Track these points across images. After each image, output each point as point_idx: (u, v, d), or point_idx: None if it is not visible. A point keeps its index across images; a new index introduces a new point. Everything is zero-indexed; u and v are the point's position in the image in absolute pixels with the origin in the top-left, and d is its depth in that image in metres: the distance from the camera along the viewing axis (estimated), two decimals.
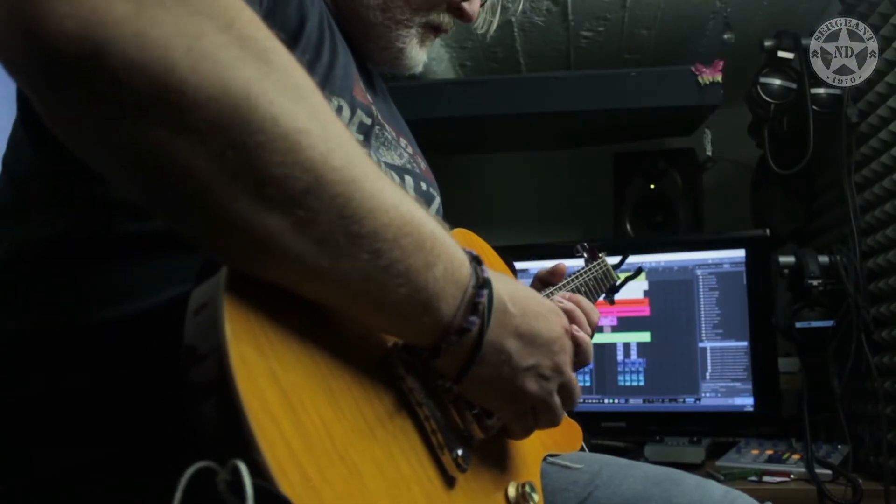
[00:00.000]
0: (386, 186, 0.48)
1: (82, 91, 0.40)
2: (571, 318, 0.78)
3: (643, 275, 1.18)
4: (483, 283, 0.53)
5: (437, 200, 0.86)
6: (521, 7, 1.03)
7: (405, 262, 0.48)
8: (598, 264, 1.06)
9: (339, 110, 0.70)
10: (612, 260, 1.13)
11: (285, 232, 0.43)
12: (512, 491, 0.63)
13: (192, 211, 0.43)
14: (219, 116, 0.40)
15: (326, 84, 0.69)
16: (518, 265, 1.78)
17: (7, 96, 0.62)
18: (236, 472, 0.37)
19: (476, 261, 0.54)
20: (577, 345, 0.77)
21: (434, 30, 0.85)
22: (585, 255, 1.08)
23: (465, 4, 0.84)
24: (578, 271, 1.00)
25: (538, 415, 0.62)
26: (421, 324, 0.51)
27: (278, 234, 0.43)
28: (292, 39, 0.66)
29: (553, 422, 0.63)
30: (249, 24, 0.43)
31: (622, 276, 1.13)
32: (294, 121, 0.42)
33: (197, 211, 0.43)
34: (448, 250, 0.51)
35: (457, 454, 0.55)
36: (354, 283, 0.46)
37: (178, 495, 0.37)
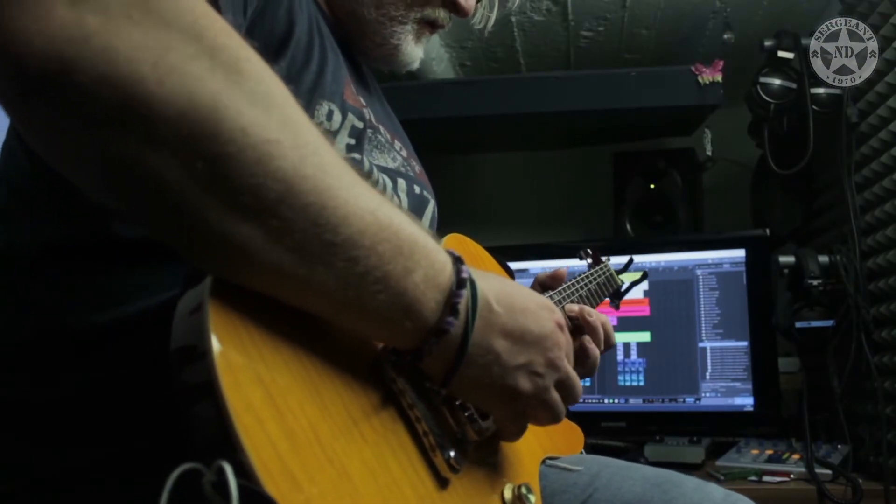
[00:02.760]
0: (362, 193, 0.47)
1: (53, 106, 0.40)
2: (586, 327, 0.79)
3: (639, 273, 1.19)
4: (462, 283, 0.52)
5: (432, 204, 0.85)
6: (517, 2, 1.03)
7: (383, 268, 0.48)
8: (602, 269, 1.05)
9: (329, 115, 0.69)
10: (618, 259, 1.13)
11: (260, 241, 0.43)
12: (508, 493, 0.63)
13: (166, 221, 0.43)
14: (187, 128, 0.40)
15: (316, 88, 0.68)
16: (518, 265, 1.78)
17: None
18: (221, 473, 0.37)
19: (458, 262, 0.53)
20: (587, 357, 0.77)
21: (430, 25, 0.84)
22: (589, 259, 1.08)
23: None
24: (581, 275, 1.00)
25: (536, 413, 0.61)
26: (403, 328, 0.51)
27: (253, 244, 0.43)
28: (281, 45, 0.66)
29: (555, 418, 0.62)
30: (220, 34, 0.43)
31: (626, 277, 1.13)
32: (264, 131, 0.42)
33: (171, 222, 0.43)
34: (429, 254, 0.51)
35: (449, 455, 0.55)
36: (333, 290, 0.46)
37: (164, 496, 0.37)
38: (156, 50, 0.40)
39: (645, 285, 1.74)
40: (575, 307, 0.83)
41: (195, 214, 0.42)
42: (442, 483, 0.54)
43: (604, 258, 1.09)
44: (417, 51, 0.85)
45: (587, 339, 0.78)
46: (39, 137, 0.43)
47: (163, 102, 0.40)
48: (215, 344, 0.41)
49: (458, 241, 0.80)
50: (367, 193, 0.48)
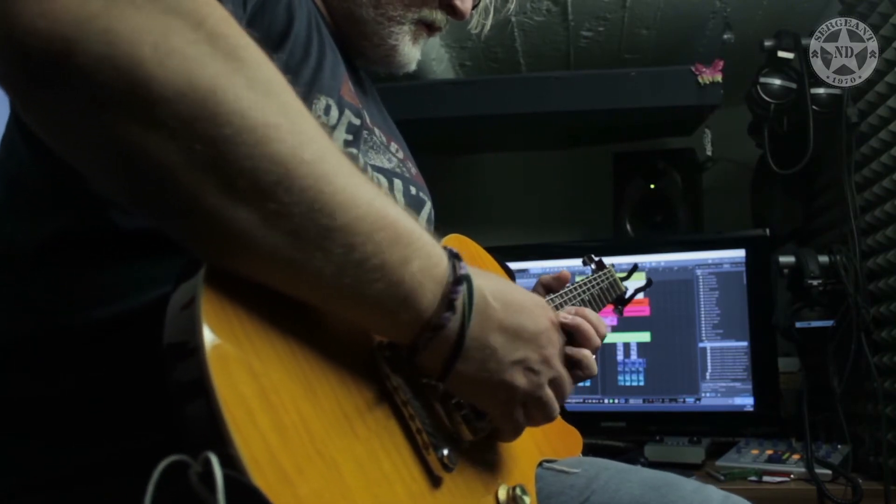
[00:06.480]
0: (360, 182, 0.48)
1: (55, 87, 0.41)
2: (578, 334, 0.78)
3: (643, 275, 1.18)
4: (459, 279, 0.53)
5: (428, 205, 0.85)
6: (513, 6, 1.03)
7: (380, 256, 0.48)
8: (605, 274, 1.05)
9: (327, 109, 0.70)
10: (618, 260, 1.13)
11: (258, 224, 0.44)
12: (503, 493, 0.63)
13: (165, 205, 0.44)
14: (186, 111, 0.41)
15: (314, 83, 0.69)
16: (518, 265, 1.78)
17: (3, 97, 0.62)
18: (208, 464, 0.37)
19: (454, 257, 0.54)
20: (578, 360, 0.77)
21: (427, 27, 0.85)
22: (593, 265, 1.08)
23: (456, 2, 0.84)
24: (585, 278, 1.00)
25: (530, 410, 0.62)
26: (400, 320, 0.51)
27: (251, 227, 0.44)
28: (280, 39, 0.67)
29: (548, 416, 0.63)
30: (220, 21, 0.44)
31: (630, 283, 1.13)
32: (262, 115, 0.43)
33: (170, 205, 0.43)
34: (425, 246, 0.51)
35: (442, 454, 0.54)
36: (329, 277, 0.47)
37: (150, 488, 0.37)
38: (157, 33, 0.41)
39: None
40: (573, 308, 0.82)
41: (193, 198, 0.42)
42: (435, 482, 0.54)
43: (608, 264, 1.09)
44: (415, 52, 0.85)
45: (583, 351, 0.78)
46: (43, 122, 0.44)
47: (162, 84, 0.40)
48: (208, 335, 0.41)
49: (459, 241, 0.80)
50: (364, 184, 0.48)
